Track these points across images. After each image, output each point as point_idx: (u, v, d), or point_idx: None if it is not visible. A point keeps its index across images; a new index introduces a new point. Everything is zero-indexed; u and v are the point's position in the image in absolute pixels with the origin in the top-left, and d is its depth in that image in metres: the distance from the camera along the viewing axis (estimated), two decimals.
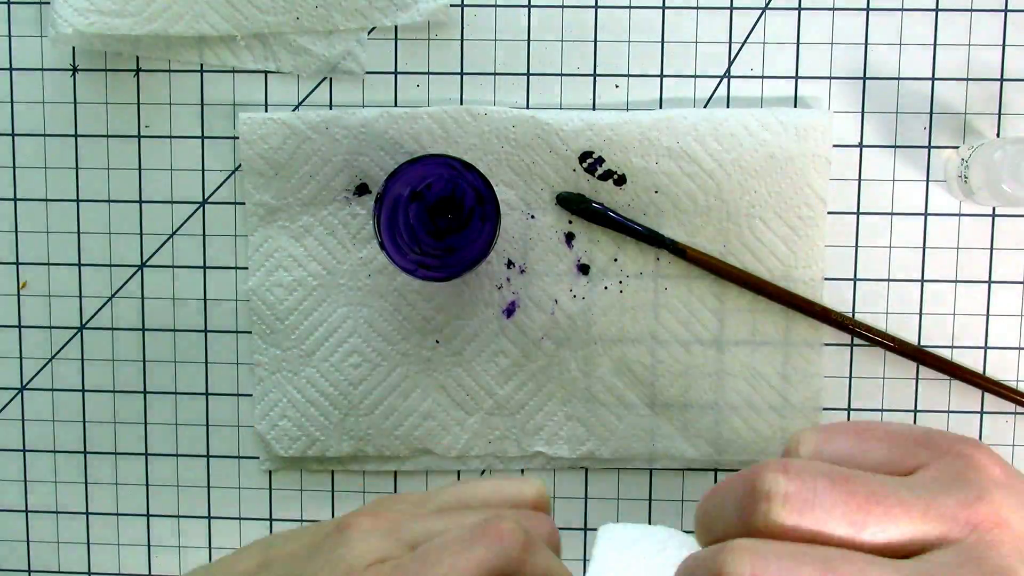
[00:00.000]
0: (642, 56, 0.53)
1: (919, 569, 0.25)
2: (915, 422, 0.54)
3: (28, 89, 0.55)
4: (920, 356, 0.53)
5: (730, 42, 0.53)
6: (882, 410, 0.54)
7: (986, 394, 0.54)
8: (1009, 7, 0.52)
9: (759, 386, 0.53)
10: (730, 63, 0.53)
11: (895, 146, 0.53)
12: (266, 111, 0.54)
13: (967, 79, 0.52)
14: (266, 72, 0.54)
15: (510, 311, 0.53)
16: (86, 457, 0.56)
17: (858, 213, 0.53)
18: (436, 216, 0.50)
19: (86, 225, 0.55)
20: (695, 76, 0.53)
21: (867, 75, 0.53)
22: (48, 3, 0.53)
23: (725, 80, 0.53)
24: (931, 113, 0.53)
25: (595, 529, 0.56)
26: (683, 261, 0.53)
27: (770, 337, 0.53)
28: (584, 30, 0.53)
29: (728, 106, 0.53)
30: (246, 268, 0.54)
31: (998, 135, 0.53)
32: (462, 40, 0.53)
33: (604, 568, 0.28)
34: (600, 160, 0.52)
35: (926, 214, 0.53)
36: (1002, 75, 0.52)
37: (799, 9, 0.52)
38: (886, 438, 0.28)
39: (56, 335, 0.56)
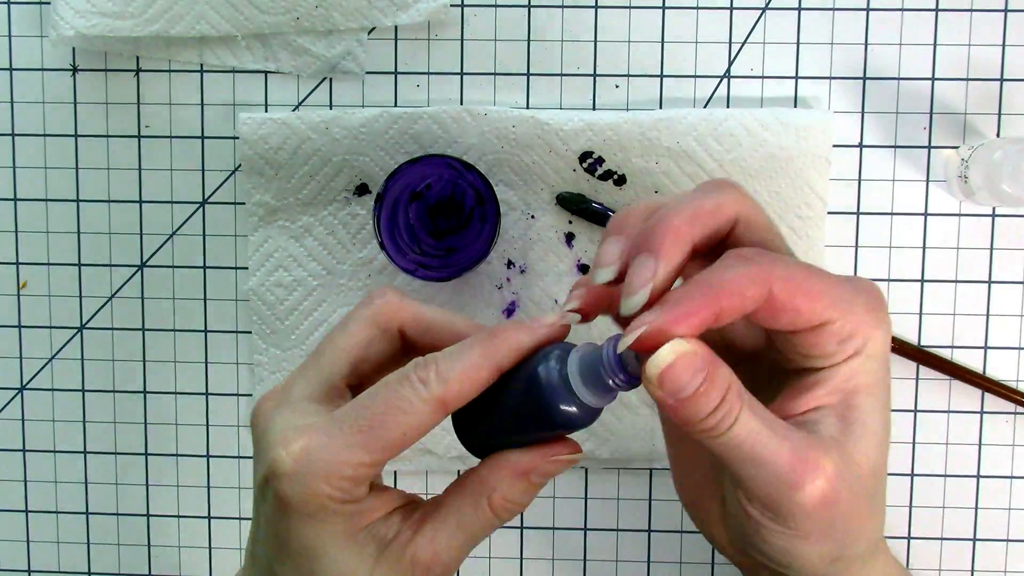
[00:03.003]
0: (642, 56, 0.53)
1: None
2: (915, 422, 0.54)
3: (28, 89, 0.55)
4: (920, 356, 0.53)
5: (730, 42, 0.53)
6: None
7: (986, 394, 0.54)
8: (1009, 7, 0.52)
9: None
10: (730, 63, 0.53)
11: (895, 146, 0.53)
12: (266, 111, 0.54)
13: (967, 79, 0.52)
14: (266, 72, 0.54)
15: (510, 311, 0.53)
16: (86, 457, 0.56)
17: (858, 213, 0.53)
18: (436, 216, 0.50)
19: (86, 225, 0.55)
20: (695, 76, 0.53)
21: (867, 75, 0.53)
22: (48, 3, 0.53)
23: (725, 80, 0.53)
24: (931, 113, 0.53)
25: (595, 529, 0.56)
26: None
27: None
28: (584, 30, 0.53)
29: (728, 106, 0.53)
30: (246, 268, 0.54)
31: (998, 135, 0.53)
32: (462, 40, 0.53)
33: None
34: (600, 160, 0.52)
35: (926, 214, 0.53)
36: (1002, 75, 0.52)
37: (799, 9, 0.52)
38: None
39: (56, 335, 0.56)
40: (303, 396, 0.35)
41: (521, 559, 0.56)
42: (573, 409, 0.32)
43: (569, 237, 0.53)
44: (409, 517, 0.35)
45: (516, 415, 0.33)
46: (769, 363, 0.36)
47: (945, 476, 0.54)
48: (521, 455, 0.33)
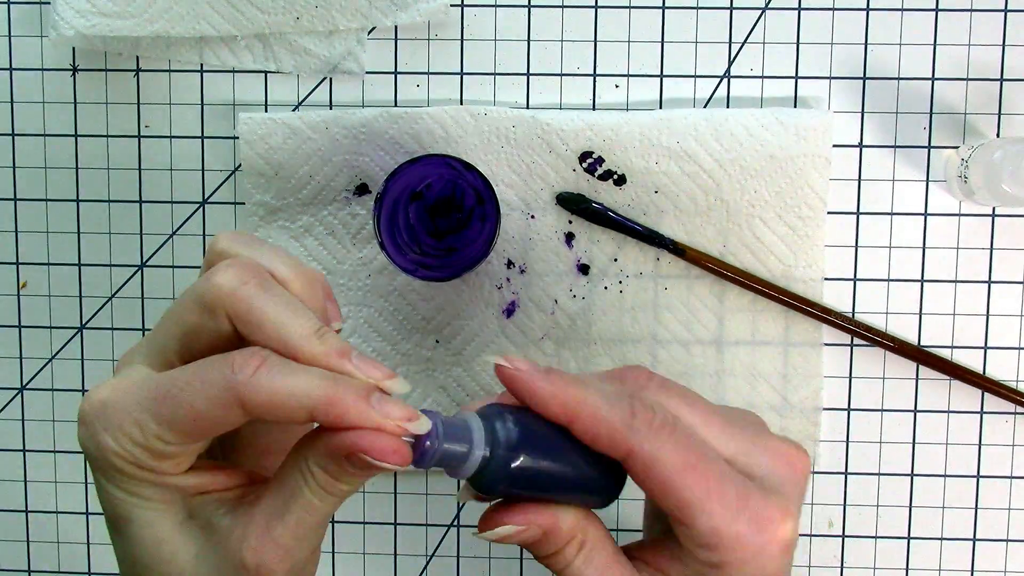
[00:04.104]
0: (642, 56, 0.53)
1: None
2: (915, 422, 0.54)
3: (28, 89, 0.55)
4: (920, 356, 0.53)
5: (730, 42, 0.53)
6: (882, 410, 0.54)
7: (986, 394, 0.54)
8: (1009, 7, 0.52)
9: (759, 386, 0.53)
10: (730, 63, 0.53)
11: (895, 146, 0.53)
12: (266, 111, 0.54)
13: (967, 79, 0.52)
14: (266, 72, 0.54)
15: (510, 311, 0.53)
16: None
17: (858, 213, 0.53)
18: (436, 216, 0.50)
19: (86, 225, 0.55)
20: (695, 76, 0.53)
21: (867, 75, 0.53)
22: (48, 3, 0.53)
23: (725, 80, 0.53)
24: (931, 113, 0.53)
25: None
26: (683, 261, 0.53)
27: (770, 337, 0.53)
28: (584, 30, 0.53)
29: (728, 106, 0.53)
30: None
31: (998, 135, 0.53)
32: (462, 40, 0.53)
33: None
34: (600, 160, 0.52)
35: (926, 214, 0.53)
36: (1002, 75, 0.52)
37: (799, 9, 0.52)
38: None
39: (56, 335, 0.56)
40: (139, 359, 0.33)
41: (521, 559, 0.56)
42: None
43: (569, 237, 0.53)
44: (241, 502, 0.32)
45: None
46: None
47: (945, 476, 0.54)
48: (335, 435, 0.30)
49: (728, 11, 0.53)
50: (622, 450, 0.31)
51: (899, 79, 0.53)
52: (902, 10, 0.52)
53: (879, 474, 0.54)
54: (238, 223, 0.55)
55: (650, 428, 0.31)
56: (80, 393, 0.56)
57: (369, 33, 0.53)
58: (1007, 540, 0.54)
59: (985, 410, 0.54)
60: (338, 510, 0.56)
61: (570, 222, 0.53)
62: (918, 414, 0.54)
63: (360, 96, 0.54)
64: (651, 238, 0.52)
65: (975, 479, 0.54)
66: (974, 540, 0.54)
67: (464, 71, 0.53)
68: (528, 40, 0.53)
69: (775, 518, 0.32)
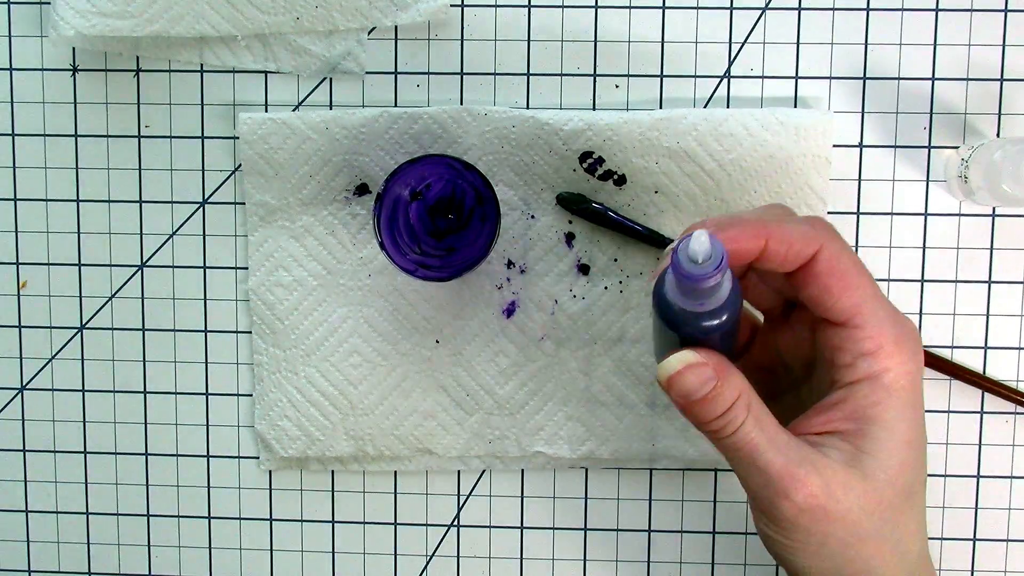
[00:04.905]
0: (642, 56, 0.53)
1: None
2: None
3: (28, 89, 0.55)
4: None
5: (730, 42, 0.53)
6: None
7: (986, 394, 0.54)
8: (1009, 7, 0.52)
9: None
10: (730, 63, 0.53)
11: (895, 146, 0.53)
12: (266, 111, 0.54)
13: (967, 79, 0.52)
14: (266, 72, 0.54)
15: (510, 311, 0.53)
16: (86, 457, 0.56)
17: (858, 213, 0.53)
18: (436, 216, 0.50)
19: (86, 225, 0.55)
20: (695, 76, 0.53)
21: (867, 75, 0.53)
22: (48, 3, 0.53)
23: (725, 80, 0.53)
24: (931, 113, 0.53)
25: (596, 529, 0.56)
26: None
27: None
28: (584, 30, 0.53)
29: (728, 106, 0.53)
30: (246, 268, 0.54)
31: (998, 135, 0.53)
32: (462, 40, 0.53)
33: None
34: (600, 160, 0.52)
35: (926, 214, 0.53)
36: (1002, 75, 0.52)
37: (799, 9, 0.52)
38: None
39: (56, 335, 0.56)
40: None
41: (521, 559, 0.56)
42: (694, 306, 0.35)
43: (569, 237, 0.53)
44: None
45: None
46: (818, 389, 0.39)
47: (945, 476, 0.54)
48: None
49: (728, 11, 0.53)
50: (813, 247, 0.36)
51: (899, 79, 0.53)
52: (902, 10, 0.52)
53: None
54: (238, 223, 0.55)
55: (831, 232, 0.37)
56: (80, 393, 0.56)
57: (369, 33, 0.53)
58: (1007, 540, 0.54)
59: (985, 410, 0.54)
60: (338, 510, 0.56)
61: (570, 222, 0.53)
62: None
63: (360, 96, 0.54)
64: (651, 238, 0.52)
65: (975, 479, 0.54)
66: (974, 540, 0.54)
67: (464, 71, 0.53)
68: (528, 40, 0.53)
69: (915, 331, 0.37)
